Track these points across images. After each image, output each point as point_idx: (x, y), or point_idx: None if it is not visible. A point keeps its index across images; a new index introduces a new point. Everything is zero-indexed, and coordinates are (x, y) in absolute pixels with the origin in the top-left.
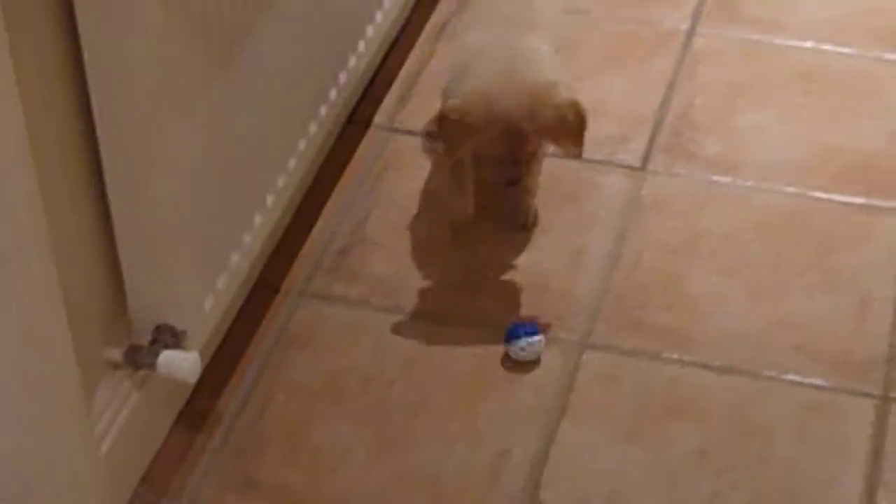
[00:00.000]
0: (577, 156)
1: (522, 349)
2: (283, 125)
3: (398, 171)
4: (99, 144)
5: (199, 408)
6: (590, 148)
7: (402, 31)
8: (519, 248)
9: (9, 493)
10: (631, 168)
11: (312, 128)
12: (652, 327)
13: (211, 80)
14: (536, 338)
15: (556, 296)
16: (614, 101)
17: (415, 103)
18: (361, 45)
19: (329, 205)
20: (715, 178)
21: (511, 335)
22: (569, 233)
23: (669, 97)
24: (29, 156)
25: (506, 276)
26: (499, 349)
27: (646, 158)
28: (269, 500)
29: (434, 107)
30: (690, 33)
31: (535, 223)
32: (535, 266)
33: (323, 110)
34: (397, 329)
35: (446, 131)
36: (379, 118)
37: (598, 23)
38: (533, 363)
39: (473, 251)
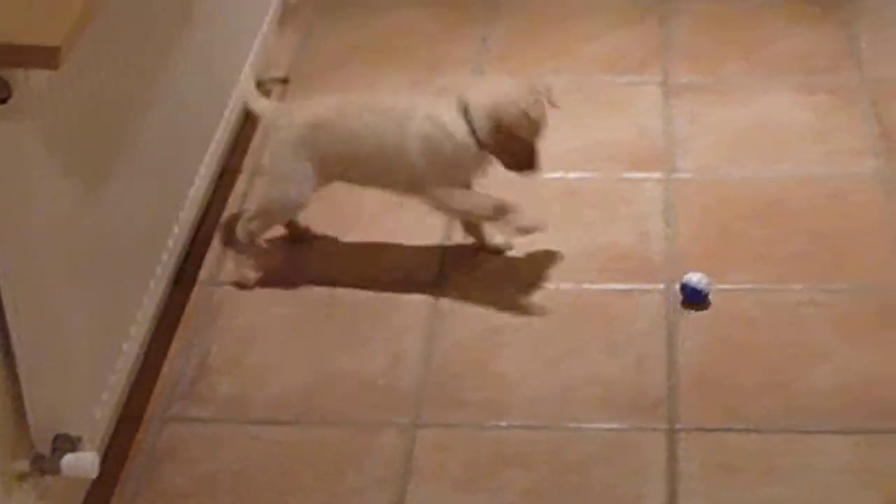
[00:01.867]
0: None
1: None
2: (134, 272)
3: (228, 312)
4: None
5: None
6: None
7: (210, 202)
8: (346, 357)
9: None
10: (429, 283)
11: (152, 282)
12: (471, 403)
13: (81, 221)
14: None
15: (384, 390)
16: (407, 234)
17: (231, 260)
18: (182, 215)
19: (175, 344)
20: (502, 283)
21: None
22: (387, 341)
23: (452, 225)
24: None
25: (339, 381)
26: (348, 436)
27: (441, 275)
28: None
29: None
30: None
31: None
32: (363, 369)
33: (158, 269)
34: (254, 434)
35: (505, 130)
36: (203, 274)
37: None
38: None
39: (308, 363)
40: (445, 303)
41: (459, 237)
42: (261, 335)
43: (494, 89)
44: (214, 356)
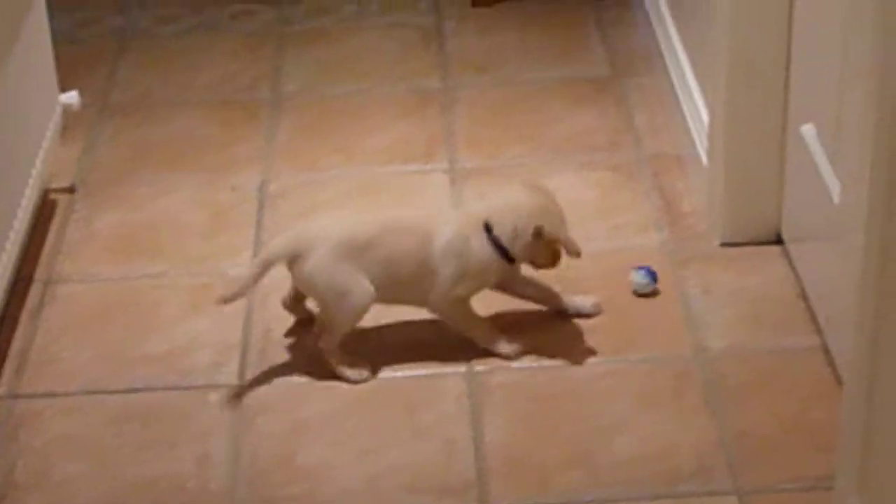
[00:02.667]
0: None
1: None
2: None
3: (32, 426)
4: None
5: None
6: (190, 375)
7: (3, 315)
8: (154, 462)
9: None
10: (230, 385)
11: None
12: (281, 499)
13: None
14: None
15: (195, 492)
16: (204, 338)
17: (31, 371)
18: None
19: None
20: (304, 378)
21: None
22: (190, 444)
23: (249, 325)
24: None
25: (150, 487)
26: None
27: (242, 374)
28: None
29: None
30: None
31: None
32: (172, 472)
33: None
34: None
35: (548, 236)
36: (1, 389)
37: (175, 279)
38: None
39: (115, 471)
40: (250, 398)
41: (259, 333)
42: (65, 448)
43: (511, 201)
44: (20, 472)
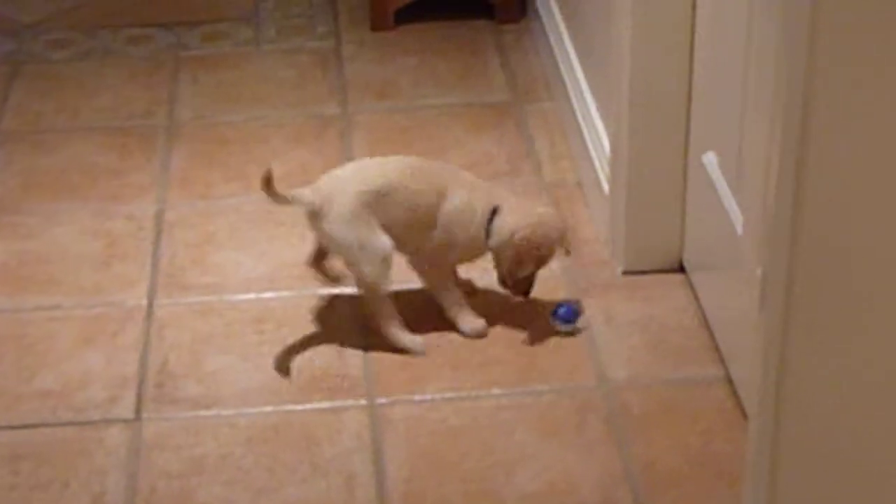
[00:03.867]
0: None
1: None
2: None
3: None
4: None
5: None
6: (84, 411)
7: None
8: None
9: None
10: (126, 420)
11: None
12: None
13: None
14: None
15: None
16: (98, 372)
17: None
18: None
19: None
20: (201, 412)
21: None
22: (85, 482)
23: (146, 358)
24: None
25: None
26: None
27: (138, 409)
28: None
29: None
30: (150, 306)
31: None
32: None
33: None
34: None
35: (526, 251)
36: None
37: (69, 311)
38: None
39: None
40: (146, 436)
41: (156, 366)
42: None
43: (529, 210)
44: None
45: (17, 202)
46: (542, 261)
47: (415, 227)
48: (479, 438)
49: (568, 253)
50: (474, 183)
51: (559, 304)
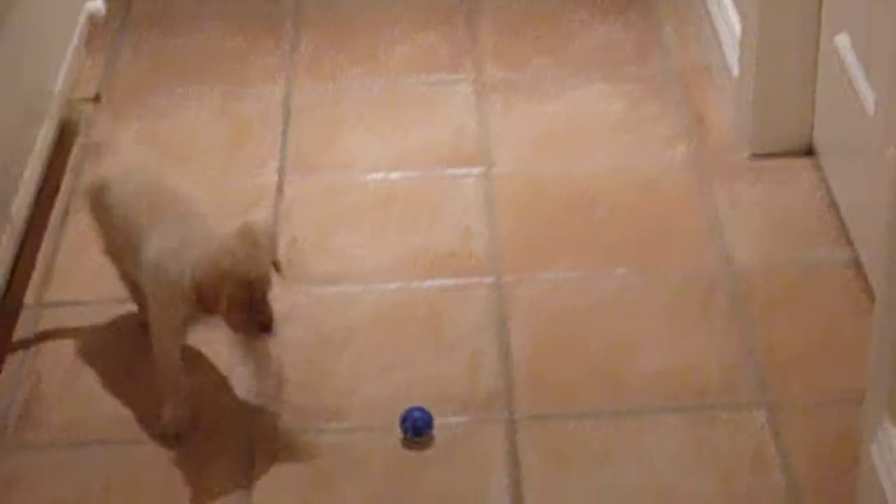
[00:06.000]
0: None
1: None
2: None
3: (55, 335)
4: None
5: None
6: None
7: (30, 223)
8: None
9: None
10: None
11: None
12: (307, 411)
13: None
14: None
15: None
16: None
17: (57, 280)
18: (4, 241)
19: (4, 371)
20: (329, 288)
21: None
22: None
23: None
24: None
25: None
26: (185, 457)
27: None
28: None
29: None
30: (280, 186)
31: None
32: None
33: None
34: (89, 457)
35: (205, 293)
36: (27, 299)
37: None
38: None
39: (141, 383)
40: (276, 309)
41: (285, 243)
42: (90, 358)
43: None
44: (46, 381)
45: (147, 85)
46: (244, 287)
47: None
48: (604, 319)
49: (278, 268)
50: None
51: (409, 413)
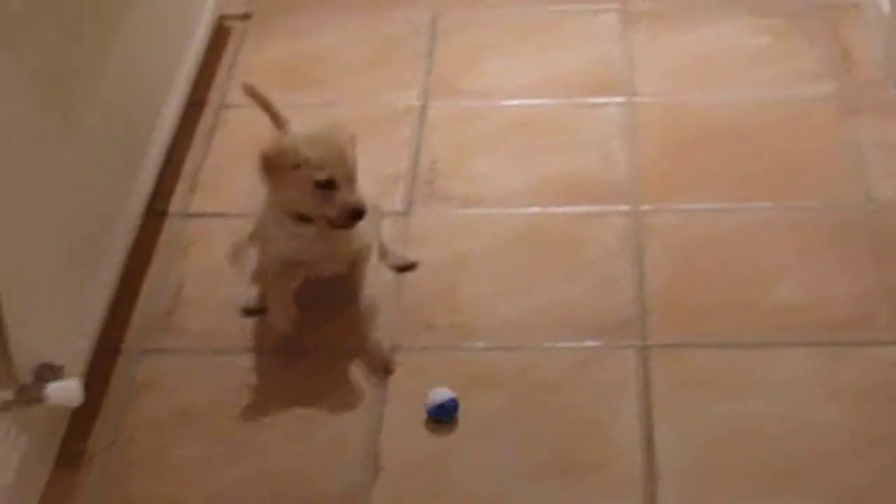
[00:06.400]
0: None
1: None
2: (107, 203)
3: (199, 247)
4: None
5: (72, 450)
6: None
7: (177, 136)
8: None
9: None
10: (396, 213)
11: (124, 212)
12: (441, 327)
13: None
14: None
15: (359, 320)
16: (371, 168)
17: (202, 191)
18: (151, 148)
19: (148, 278)
20: (467, 210)
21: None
22: None
23: (417, 157)
24: None
25: (321, 315)
26: (325, 364)
27: (408, 204)
28: None
29: (224, 193)
30: (423, 108)
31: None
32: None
33: (129, 199)
34: (225, 364)
35: (269, 169)
36: (173, 208)
37: (343, 110)
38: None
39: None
40: (414, 228)
41: (426, 165)
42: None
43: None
44: (188, 289)
45: (291, 4)
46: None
47: None
48: (740, 249)
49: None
50: None
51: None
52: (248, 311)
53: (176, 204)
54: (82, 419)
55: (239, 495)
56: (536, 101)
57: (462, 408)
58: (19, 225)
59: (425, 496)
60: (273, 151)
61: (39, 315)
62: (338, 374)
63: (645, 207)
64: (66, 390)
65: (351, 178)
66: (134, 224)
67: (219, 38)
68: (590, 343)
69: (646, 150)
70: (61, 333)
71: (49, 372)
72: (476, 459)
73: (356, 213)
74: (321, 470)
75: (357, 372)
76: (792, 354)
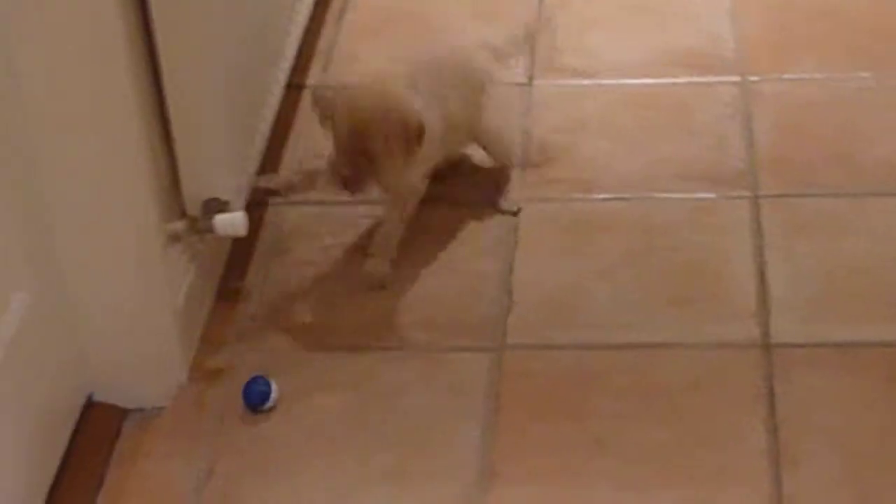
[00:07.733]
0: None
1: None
2: (262, 62)
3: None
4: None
5: (231, 287)
6: None
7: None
8: None
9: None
10: (520, 84)
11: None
12: (564, 181)
13: None
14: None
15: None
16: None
17: (335, 68)
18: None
19: (290, 144)
20: (584, 81)
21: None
22: None
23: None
24: None
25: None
26: (462, 215)
27: (530, 76)
28: (294, 336)
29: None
30: None
31: (381, 285)
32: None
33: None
34: (369, 214)
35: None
36: (310, 80)
37: None
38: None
39: None
40: (536, 93)
41: (545, 41)
42: None
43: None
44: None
45: None
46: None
47: None
48: (843, 113)
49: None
50: None
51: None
52: (268, 191)
53: (312, 77)
54: (240, 255)
55: (388, 320)
56: None
57: (589, 250)
58: (197, 81)
59: (556, 324)
60: (315, 96)
61: (206, 156)
62: (474, 222)
63: (752, 78)
64: (231, 222)
65: (351, 151)
66: (284, 81)
67: None
68: (703, 194)
69: (751, 25)
70: (225, 174)
71: (216, 205)
72: (599, 294)
73: (343, 184)
74: (463, 300)
75: (491, 221)
76: (892, 203)
